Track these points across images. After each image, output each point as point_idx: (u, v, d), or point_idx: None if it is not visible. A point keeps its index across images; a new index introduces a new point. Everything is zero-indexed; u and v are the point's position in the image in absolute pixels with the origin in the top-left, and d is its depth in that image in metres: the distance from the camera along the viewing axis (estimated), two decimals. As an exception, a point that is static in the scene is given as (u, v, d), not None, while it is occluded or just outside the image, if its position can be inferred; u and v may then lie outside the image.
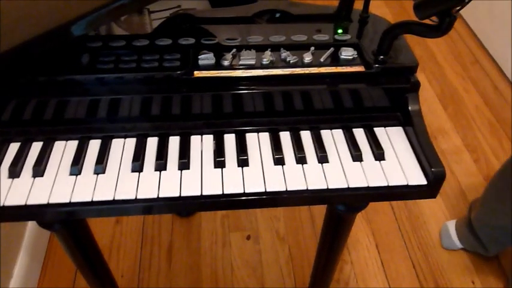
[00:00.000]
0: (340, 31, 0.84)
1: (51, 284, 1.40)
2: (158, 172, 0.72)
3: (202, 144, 0.76)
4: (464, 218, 1.48)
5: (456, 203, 1.69)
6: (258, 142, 0.77)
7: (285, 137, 0.78)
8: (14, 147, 0.75)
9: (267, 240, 1.55)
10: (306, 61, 0.77)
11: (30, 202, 0.68)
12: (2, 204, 0.67)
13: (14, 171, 0.71)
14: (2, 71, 0.72)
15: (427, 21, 0.69)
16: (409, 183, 0.72)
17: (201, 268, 1.46)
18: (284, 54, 0.78)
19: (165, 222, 1.58)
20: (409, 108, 0.78)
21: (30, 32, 0.72)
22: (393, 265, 1.50)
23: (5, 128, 0.76)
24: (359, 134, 0.79)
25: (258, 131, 0.78)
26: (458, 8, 0.66)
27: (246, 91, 0.76)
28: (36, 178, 0.71)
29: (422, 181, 0.73)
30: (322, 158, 0.74)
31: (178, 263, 1.47)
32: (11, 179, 0.70)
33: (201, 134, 0.78)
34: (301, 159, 0.74)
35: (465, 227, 1.45)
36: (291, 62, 0.77)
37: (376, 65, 0.77)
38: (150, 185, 0.70)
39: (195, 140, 0.77)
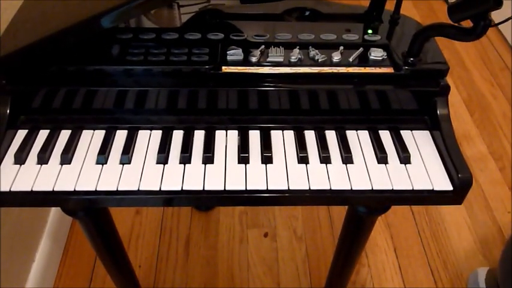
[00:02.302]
0: (370, 31, 0.83)
1: (71, 269, 1.43)
2: (183, 165, 0.72)
3: (226, 140, 0.76)
4: (495, 269, 1.35)
5: (479, 211, 1.65)
6: (283, 140, 0.77)
7: (310, 135, 0.77)
8: (43, 135, 0.76)
9: (284, 238, 1.54)
10: (334, 60, 0.77)
11: (57, 188, 0.69)
12: (30, 189, 0.69)
13: (43, 158, 0.72)
14: (35, 60, 0.74)
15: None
16: (434, 188, 0.71)
17: (218, 263, 1.47)
18: (312, 52, 0.78)
19: (183, 215, 1.59)
20: (438, 112, 0.77)
21: (62, 23, 0.74)
22: (411, 270, 1.48)
23: (35, 115, 0.78)
24: (385, 136, 0.78)
25: (282, 129, 0.78)
26: (500, 21, 0.65)
27: (273, 88, 0.76)
28: (64, 165, 0.72)
29: (448, 187, 0.72)
30: (347, 159, 0.74)
31: (195, 256, 1.48)
32: (39, 165, 0.72)
33: (226, 129, 0.78)
34: (325, 159, 0.73)
35: (495, 280, 1.32)
36: (319, 60, 0.77)
37: (406, 67, 0.76)
38: (175, 177, 0.70)
39: (219, 134, 0.77)
